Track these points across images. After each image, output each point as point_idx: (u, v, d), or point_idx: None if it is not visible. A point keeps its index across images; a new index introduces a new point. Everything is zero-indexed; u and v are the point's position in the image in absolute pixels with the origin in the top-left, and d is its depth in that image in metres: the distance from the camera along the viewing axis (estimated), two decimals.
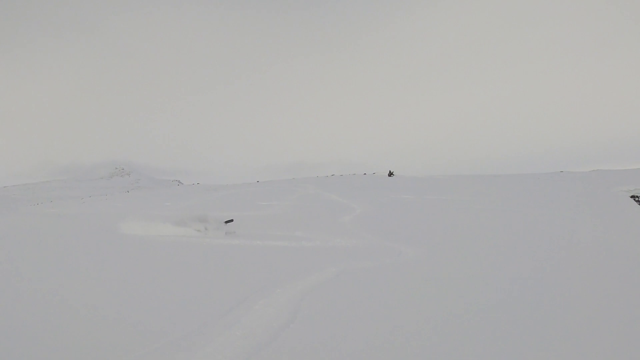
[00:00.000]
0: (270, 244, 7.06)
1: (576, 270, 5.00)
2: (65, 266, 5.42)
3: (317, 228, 9.04)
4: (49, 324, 3.29)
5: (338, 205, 14.44)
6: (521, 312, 3.46)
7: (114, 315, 3.49)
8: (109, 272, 5.05)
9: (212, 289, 4.27)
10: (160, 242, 7.35)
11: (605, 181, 20.22)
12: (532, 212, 11.30)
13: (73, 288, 4.33)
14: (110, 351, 2.84)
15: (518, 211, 11.52)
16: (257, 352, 2.80)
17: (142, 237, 7.96)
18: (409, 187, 20.98)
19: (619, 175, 23.26)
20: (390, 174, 31.22)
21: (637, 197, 14.49)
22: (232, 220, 9.01)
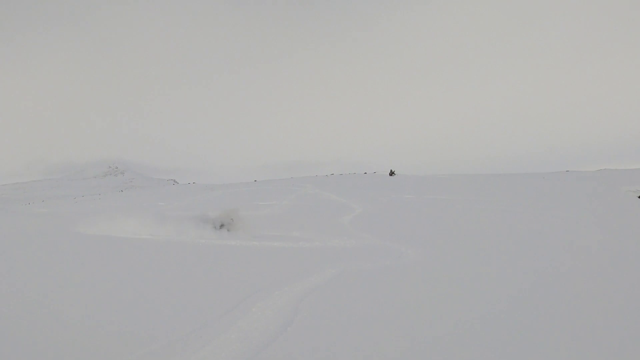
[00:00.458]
0: (267, 245, 7.06)
1: (586, 275, 4.97)
2: (56, 268, 5.40)
3: (316, 228, 9.03)
4: (39, 330, 3.28)
5: (337, 205, 14.44)
6: (529, 319, 3.43)
7: (107, 318, 3.48)
8: (101, 274, 5.03)
9: (208, 291, 4.26)
10: (154, 243, 7.33)
11: (612, 181, 20.24)
12: (539, 212, 11.30)
13: (65, 291, 4.32)
14: (102, 355, 2.83)
15: (523, 212, 11.52)
16: (253, 356, 2.80)
17: (135, 238, 7.94)
18: (411, 187, 20.98)
19: (627, 175, 23.29)
20: (392, 173, 31.24)
21: None
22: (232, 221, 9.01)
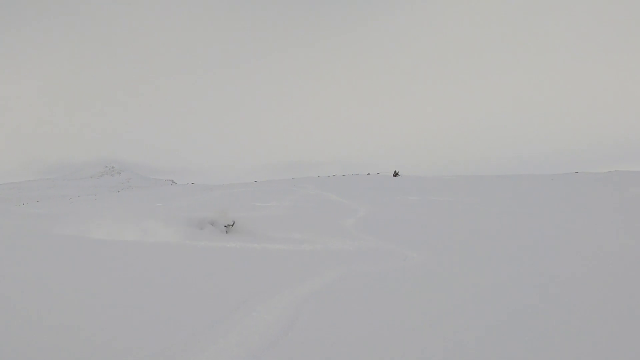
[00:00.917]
0: (267, 247, 7.04)
1: (600, 281, 4.90)
2: (44, 274, 5.37)
3: (317, 230, 9.01)
4: (19, 337, 3.27)
5: (340, 206, 14.43)
6: (539, 327, 3.41)
7: (101, 324, 3.47)
8: (95, 279, 5.03)
9: (206, 295, 4.25)
10: (151, 246, 7.33)
11: (624, 183, 20.14)
12: (549, 215, 11.25)
13: (53, 297, 4.30)
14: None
15: (533, 214, 11.47)
16: None
17: (130, 240, 7.94)
18: (416, 188, 20.95)
19: (639, 177, 23.16)
20: (396, 174, 31.19)
21: None
22: (233, 224, 9.01)
